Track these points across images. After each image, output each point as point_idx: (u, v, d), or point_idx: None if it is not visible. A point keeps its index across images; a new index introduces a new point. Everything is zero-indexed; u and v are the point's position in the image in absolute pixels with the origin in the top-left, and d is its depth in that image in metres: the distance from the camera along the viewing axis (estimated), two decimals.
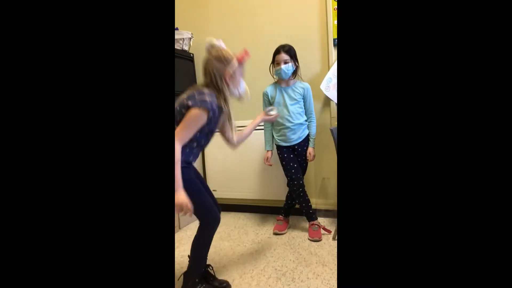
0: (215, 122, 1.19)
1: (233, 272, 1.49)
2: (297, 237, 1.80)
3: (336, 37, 1.91)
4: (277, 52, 1.71)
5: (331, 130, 1.64)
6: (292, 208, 1.98)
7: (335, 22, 1.90)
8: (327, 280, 1.35)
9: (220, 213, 1.32)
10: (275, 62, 1.73)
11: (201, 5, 2.30)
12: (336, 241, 1.71)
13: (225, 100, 1.16)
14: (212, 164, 2.28)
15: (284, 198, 2.00)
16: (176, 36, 2.10)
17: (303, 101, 1.79)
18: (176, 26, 2.22)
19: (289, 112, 1.76)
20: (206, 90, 1.13)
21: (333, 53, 1.94)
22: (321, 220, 1.99)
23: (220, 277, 1.42)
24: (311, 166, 2.07)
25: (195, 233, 1.29)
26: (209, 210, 1.24)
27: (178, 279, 1.34)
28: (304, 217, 1.90)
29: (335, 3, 1.87)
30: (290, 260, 1.56)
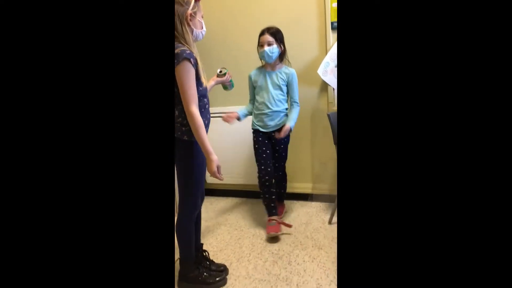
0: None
1: (230, 255, 1.52)
2: (293, 221, 1.82)
3: (334, 20, 1.87)
4: (261, 33, 1.63)
5: (328, 115, 1.64)
6: (283, 194, 1.94)
7: (333, 5, 1.85)
8: (322, 263, 1.38)
9: (202, 202, 1.31)
10: (259, 44, 1.65)
11: None
12: (331, 225, 1.74)
13: (190, 46, 1.10)
14: None
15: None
16: None
17: (287, 88, 1.71)
18: None
19: (269, 97, 1.68)
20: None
21: (331, 36, 1.90)
22: (318, 205, 2.02)
23: (218, 261, 1.44)
24: (307, 151, 2.08)
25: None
26: (196, 196, 1.23)
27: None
28: (301, 201, 1.90)
29: None
30: (287, 243, 1.58)
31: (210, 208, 2.18)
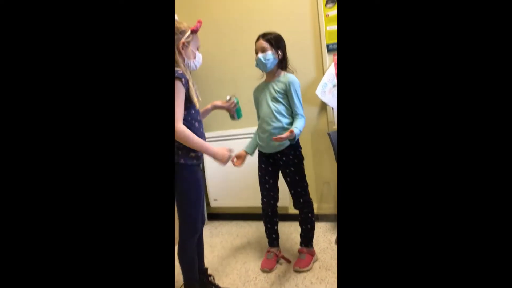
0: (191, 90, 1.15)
1: (236, 280, 1.48)
2: (299, 242, 1.78)
3: (329, 42, 1.94)
4: (256, 40, 1.46)
5: (329, 134, 1.65)
6: (307, 238, 1.60)
7: (328, 28, 1.93)
8: (330, 284, 1.35)
9: (203, 225, 1.28)
10: (255, 51, 1.47)
11: (194, 15, 2.34)
12: None
13: (184, 71, 1.11)
14: (212, 174, 2.28)
15: (286, 204, 1.98)
16: None
17: (287, 98, 1.47)
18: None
19: (268, 112, 1.47)
20: None
21: (327, 58, 1.96)
22: (323, 225, 1.99)
23: (223, 285, 1.41)
24: (310, 171, 2.08)
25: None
26: (195, 219, 1.19)
27: None
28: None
29: (327, 10, 1.91)
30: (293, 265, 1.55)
31: (215, 232, 2.15)
